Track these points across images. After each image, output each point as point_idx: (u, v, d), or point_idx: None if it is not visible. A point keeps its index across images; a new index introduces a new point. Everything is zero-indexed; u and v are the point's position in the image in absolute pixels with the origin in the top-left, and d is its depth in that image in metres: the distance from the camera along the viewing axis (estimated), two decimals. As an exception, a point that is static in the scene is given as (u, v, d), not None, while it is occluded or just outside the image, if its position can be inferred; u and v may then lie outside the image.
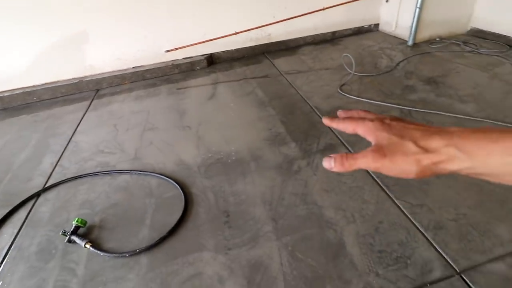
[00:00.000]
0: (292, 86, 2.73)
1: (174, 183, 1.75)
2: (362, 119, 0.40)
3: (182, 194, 1.66)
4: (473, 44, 3.14)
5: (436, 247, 1.26)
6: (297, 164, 1.81)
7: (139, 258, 1.37)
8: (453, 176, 1.60)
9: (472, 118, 2.01)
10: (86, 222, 1.52)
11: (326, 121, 0.47)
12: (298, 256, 1.29)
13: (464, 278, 1.14)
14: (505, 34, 3.10)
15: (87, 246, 1.41)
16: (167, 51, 3.27)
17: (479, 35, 3.35)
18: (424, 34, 3.36)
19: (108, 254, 1.39)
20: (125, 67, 3.24)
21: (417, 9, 3.15)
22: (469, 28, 3.48)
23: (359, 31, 3.83)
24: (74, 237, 1.44)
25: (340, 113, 0.47)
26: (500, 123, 1.93)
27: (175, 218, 1.53)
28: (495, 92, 2.29)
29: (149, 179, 1.83)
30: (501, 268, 1.16)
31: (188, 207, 1.60)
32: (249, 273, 1.25)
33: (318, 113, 2.29)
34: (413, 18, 3.22)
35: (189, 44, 3.27)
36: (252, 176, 1.76)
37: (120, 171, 1.92)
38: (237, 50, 3.44)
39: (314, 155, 1.86)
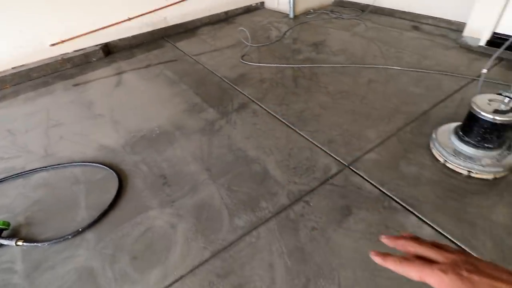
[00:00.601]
0: (198, 63, 2.89)
1: (101, 166, 1.75)
2: (428, 263, 0.34)
3: (113, 172, 1.69)
4: (337, 12, 3.87)
5: (331, 154, 1.69)
6: (218, 124, 2.03)
7: (84, 235, 1.39)
8: (336, 106, 2.08)
9: (343, 65, 2.58)
10: (9, 223, 1.42)
11: (377, 258, 0.39)
12: (234, 189, 1.54)
13: (351, 168, 1.59)
14: (359, 2, 3.93)
15: (19, 243, 1.34)
16: (52, 44, 2.96)
17: (341, 5, 4.13)
18: (301, 8, 3.95)
19: (48, 242, 1.35)
20: (1, 69, 2.80)
21: (291, -14, 3.67)
22: (333, 0, 4.25)
23: (248, 10, 4.20)
24: (0, 240, 1.34)
25: (386, 240, 0.39)
26: (361, 65, 2.55)
27: (112, 194, 1.56)
28: (356, 45, 2.96)
29: (71, 170, 1.77)
30: (372, 156, 1.66)
31: (123, 182, 1.65)
32: (196, 213, 1.44)
33: (227, 81, 2.54)
34: (290, -6, 3.74)
35: (77, 35, 3.03)
36: (179, 142, 1.90)
37: (32, 171, 1.78)
38: (134, 37, 3.36)
39: (231, 114, 2.11)
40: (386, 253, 0.37)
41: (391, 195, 1.42)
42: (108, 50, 3.25)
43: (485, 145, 1.45)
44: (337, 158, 1.66)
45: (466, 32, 2.71)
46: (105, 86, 2.64)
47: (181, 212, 1.45)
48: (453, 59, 2.53)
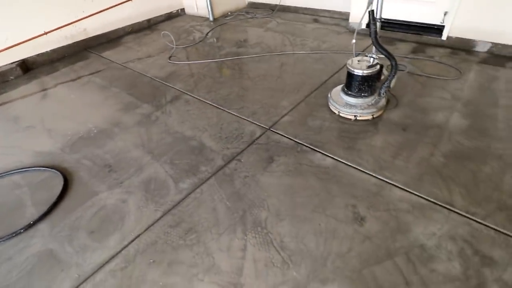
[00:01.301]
0: (127, 68, 3.01)
1: (41, 168, 1.80)
2: None
3: (56, 171, 1.76)
4: (252, 12, 4.32)
5: (255, 122, 2.03)
6: (154, 115, 2.22)
7: (37, 227, 1.47)
8: (256, 87, 2.45)
9: (259, 55, 2.99)
10: (-51, 233, 1.42)
11: None
12: (176, 163, 1.76)
13: (272, 129, 1.95)
14: (269, 3, 4.44)
15: (-34, 247, 1.36)
16: (-41, 66, 2.78)
17: (254, 6, 4.61)
18: (219, 11, 4.31)
19: (0, 240, 1.40)
20: None
21: (207, -8, 4.00)
22: (247, 2, 4.71)
23: (170, 16, 4.41)
24: None
25: None
26: (274, 53, 2.99)
27: (58, 189, 1.65)
28: (269, 38, 3.41)
29: (9, 178, 1.78)
30: (287, 119, 2.04)
31: (68, 177, 1.74)
32: (144, 186, 1.62)
33: (157, 79, 2.72)
34: (206, 0, 4.06)
35: (-13, 54, 2.88)
36: (119, 136, 2.04)
37: (-35, 187, 1.74)
38: (54, 51, 3.30)
39: (165, 106, 2.32)
40: None
41: (302, 143, 1.81)
42: (27, 67, 3.14)
43: (362, 94, 1.93)
44: (260, 124, 2.01)
45: (351, 19, 3.36)
46: (30, 101, 2.60)
47: (130, 189, 1.62)
48: (344, 41, 3.13)
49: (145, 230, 1.40)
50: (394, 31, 3.08)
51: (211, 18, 4.20)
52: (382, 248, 1.23)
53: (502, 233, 1.24)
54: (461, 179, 1.49)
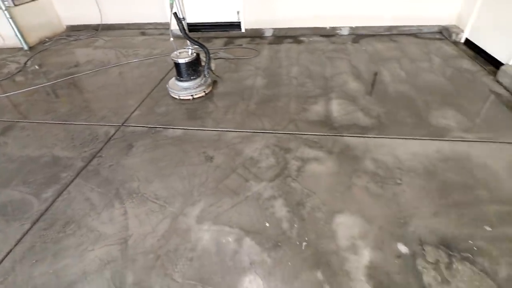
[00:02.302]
0: None
1: None
2: None
3: None
4: (74, 35, 4.19)
5: (107, 124, 2.19)
6: (-16, 151, 2.00)
7: None
8: (98, 97, 2.56)
9: (94, 70, 3.05)
10: None
11: None
12: (30, 181, 1.73)
13: (125, 125, 2.17)
14: (89, 24, 4.40)
15: None
16: None
17: (75, 29, 4.46)
18: (33, 39, 3.95)
19: None
20: None
21: (10, 20, 3.60)
22: (65, 26, 4.50)
23: (-35, 53, 3.69)
24: None
25: None
26: (107, 67, 3.13)
27: None
28: (100, 55, 3.48)
29: None
30: (136, 113, 2.30)
31: None
32: (1, 211, 1.54)
33: (-26, 119, 2.38)
34: (13, 29, 3.66)
35: None
36: None
37: None
38: None
39: (-4, 139, 2.12)
40: None
41: (154, 126, 2.13)
42: None
43: (191, 77, 2.43)
44: (112, 124, 2.18)
45: (172, 27, 3.87)
46: None
47: (-20, 221, 1.50)
48: (170, 45, 3.61)
49: (16, 244, 1.38)
50: (209, 31, 3.80)
51: (25, 47, 3.81)
52: (228, 168, 1.72)
53: (293, 134, 1.97)
54: (267, 114, 2.19)
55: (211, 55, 2.52)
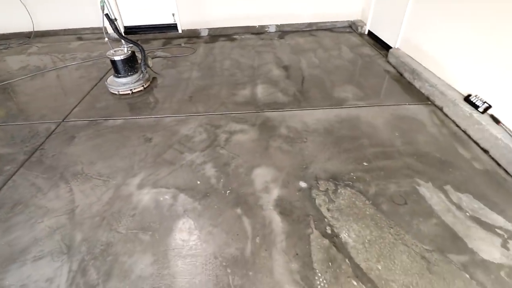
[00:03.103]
0: None
1: None
2: None
3: None
4: (3, 44, 4.06)
5: (47, 121, 2.29)
6: None
7: None
8: (36, 100, 2.60)
9: (29, 75, 3.07)
10: None
11: None
12: (-29, 176, 1.81)
13: (66, 120, 2.30)
14: (20, 32, 4.28)
15: None
16: None
17: (3, 37, 4.30)
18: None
19: None
20: None
21: None
22: (-8, 36, 4.31)
23: None
24: None
25: None
26: (45, 70, 3.16)
27: None
28: (35, 61, 3.47)
29: None
30: (77, 109, 2.43)
31: None
32: None
33: None
34: None
35: None
36: None
37: None
38: None
39: None
40: None
41: (95, 119, 2.29)
42: None
43: (129, 73, 2.62)
44: (52, 121, 2.30)
45: (109, 30, 3.98)
46: None
47: None
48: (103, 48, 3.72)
49: (-37, 228, 1.49)
50: (146, 33, 3.98)
51: None
52: (165, 145, 1.98)
53: (223, 114, 2.29)
54: (201, 100, 2.49)
55: (147, 52, 2.74)
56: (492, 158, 1.79)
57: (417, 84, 2.54)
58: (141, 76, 2.70)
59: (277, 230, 1.42)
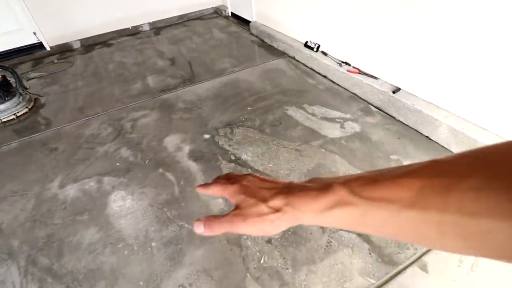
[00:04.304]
0: None
1: None
2: (227, 183, 0.40)
3: None
4: None
5: None
6: None
7: None
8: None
9: None
10: None
11: (199, 189, 0.44)
12: None
13: None
14: None
15: None
16: None
17: None
18: None
19: None
20: None
21: None
22: None
23: None
24: None
25: (200, 189, 0.45)
26: None
27: None
28: None
29: None
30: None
31: None
32: None
33: None
34: None
35: None
36: None
37: None
38: None
39: None
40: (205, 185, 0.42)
41: (-17, 150, 2.17)
42: None
43: (6, 99, 2.50)
44: None
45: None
46: None
47: None
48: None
49: None
50: (9, 59, 3.63)
51: None
52: (74, 148, 2.08)
53: (122, 108, 2.47)
54: (96, 103, 2.59)
55: (20, 76, 2.63)
56: (329, 80, 2.55)
57: (274, 44, 3.22)
58: (21, 98, 2.60)
59: (195, 171, 1.80)
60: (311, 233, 1.41)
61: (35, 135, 2.27)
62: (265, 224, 0.34)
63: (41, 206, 1.68)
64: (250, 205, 0.35)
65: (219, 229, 0.36)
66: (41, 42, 3.72)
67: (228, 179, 0.41)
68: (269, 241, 1.39)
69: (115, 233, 1.49)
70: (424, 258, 1.28)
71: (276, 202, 0.34)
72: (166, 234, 1.47)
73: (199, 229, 0.37)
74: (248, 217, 0.35)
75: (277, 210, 0.33)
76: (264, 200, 0.34)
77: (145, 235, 1.47)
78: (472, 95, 1.65)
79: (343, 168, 1.72)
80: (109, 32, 4.03)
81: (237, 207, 0.37)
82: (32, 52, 3.72)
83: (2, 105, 2.48)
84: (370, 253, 1.31)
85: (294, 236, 1.40)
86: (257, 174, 0.39)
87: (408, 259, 1.28)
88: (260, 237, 1.40)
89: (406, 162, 1.69)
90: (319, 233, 1.41)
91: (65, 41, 3.85)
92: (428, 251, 1.30)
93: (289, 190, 0.34)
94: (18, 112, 2.53)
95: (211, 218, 0.37)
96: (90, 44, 3.94)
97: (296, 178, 1.68)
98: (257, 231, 0.35)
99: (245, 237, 1.41)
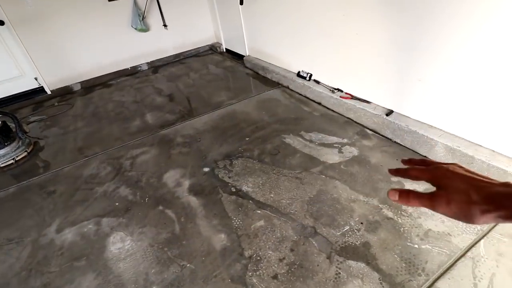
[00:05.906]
0: None
1: None
2: (430, 167, 0.41)
3: None
4: None
5: None
6: None
7: None
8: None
9: None
10: None
11: (393, 173, 0.45)
12: None
13: None
14: None
15: None
16: None
17: None
18: None
19: None
20: None
21: None
22: None
23: None
24: None
25: (405, 162, 0.46)
26: None
27: None
28: None
29: None
30: None
31: None
32: None
33: None
34: None
35: None
36: None
37: None
38: None
39: None
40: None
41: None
42: None
43: (5, 144, 2.52)
44: None
45: (-39, 114, 3.56)
46: None
47: None
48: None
49: None
50: (8, 105, 3.72)
51: None
52: (72, 190, 2.06)
53: (121, 146, 2.48)
54: (95, 143, 2.61)
55: (20, 120, 2.68)
56: (324, 106, 2.60)
57: (268, 76, 3.32)
58: (20, 142, 2.62)
59: (196, 206, 1.76)
60: (318, 265, 1.35)
61: (33, 178, 2.26)
62: (473, 212, 0.34)
63: (37, 253, 1.62)
64: (459, 191, 0.36)
65: (415, 203, 0.39)
66: (42, 86, 3.84)
67: (426, 163, 0.43)
68: (275, 277, 1.33)
69: (113, 278, 1.43)
70: (437, 284, 1.21)
71: (492, 194, 0.34)
72: (167, 276, 1.40)
73: (394, 196, 0.41)
74: (453, 201, 0.36)
75: (490, 203, 0.34)
76: (478, 190, 0.35)
77: (145, 279, 1.41)
78: (464, 113, 1.68)
79: (345, 193, 1.69)
80: (109, 73, 4.18)
81: (440, 189, 0.38)
82: (33, 96, 3.82)
83: (1, 150, 2.50)
84: (381, 282, 1.25)
85: (300, 270, 1.34)
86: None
87: (420, 286, 1.22)
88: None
89: (407, 184, 1.67)
90: (326, 264, 1.35)
91: (66, 84, 3.97)
92: (440, 276, 1.23)
93: (507, 187, 0.34)
94: (17, 157, 2.53)
95: (409, 190, 0.40)
96: (90, 86, 4.06)
97: (298, 207, 1.64)
98: (458, 216, 0.36)
99: (250, 274, 1.34)
